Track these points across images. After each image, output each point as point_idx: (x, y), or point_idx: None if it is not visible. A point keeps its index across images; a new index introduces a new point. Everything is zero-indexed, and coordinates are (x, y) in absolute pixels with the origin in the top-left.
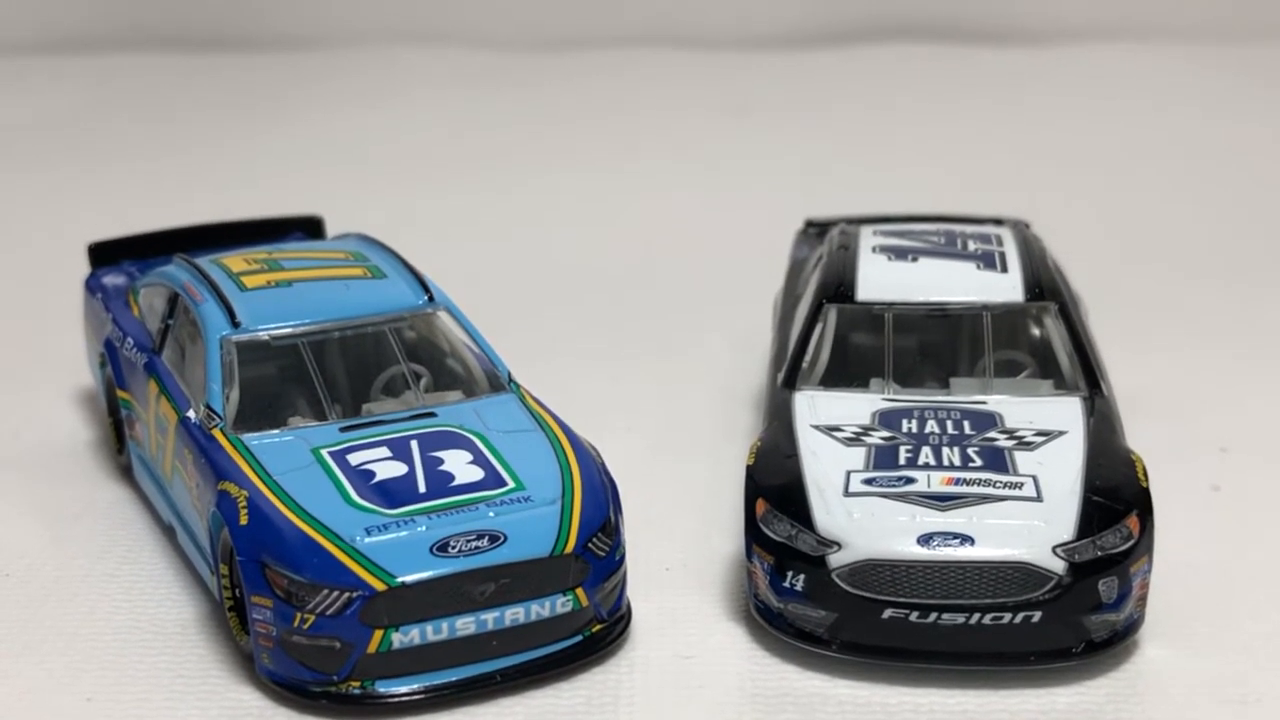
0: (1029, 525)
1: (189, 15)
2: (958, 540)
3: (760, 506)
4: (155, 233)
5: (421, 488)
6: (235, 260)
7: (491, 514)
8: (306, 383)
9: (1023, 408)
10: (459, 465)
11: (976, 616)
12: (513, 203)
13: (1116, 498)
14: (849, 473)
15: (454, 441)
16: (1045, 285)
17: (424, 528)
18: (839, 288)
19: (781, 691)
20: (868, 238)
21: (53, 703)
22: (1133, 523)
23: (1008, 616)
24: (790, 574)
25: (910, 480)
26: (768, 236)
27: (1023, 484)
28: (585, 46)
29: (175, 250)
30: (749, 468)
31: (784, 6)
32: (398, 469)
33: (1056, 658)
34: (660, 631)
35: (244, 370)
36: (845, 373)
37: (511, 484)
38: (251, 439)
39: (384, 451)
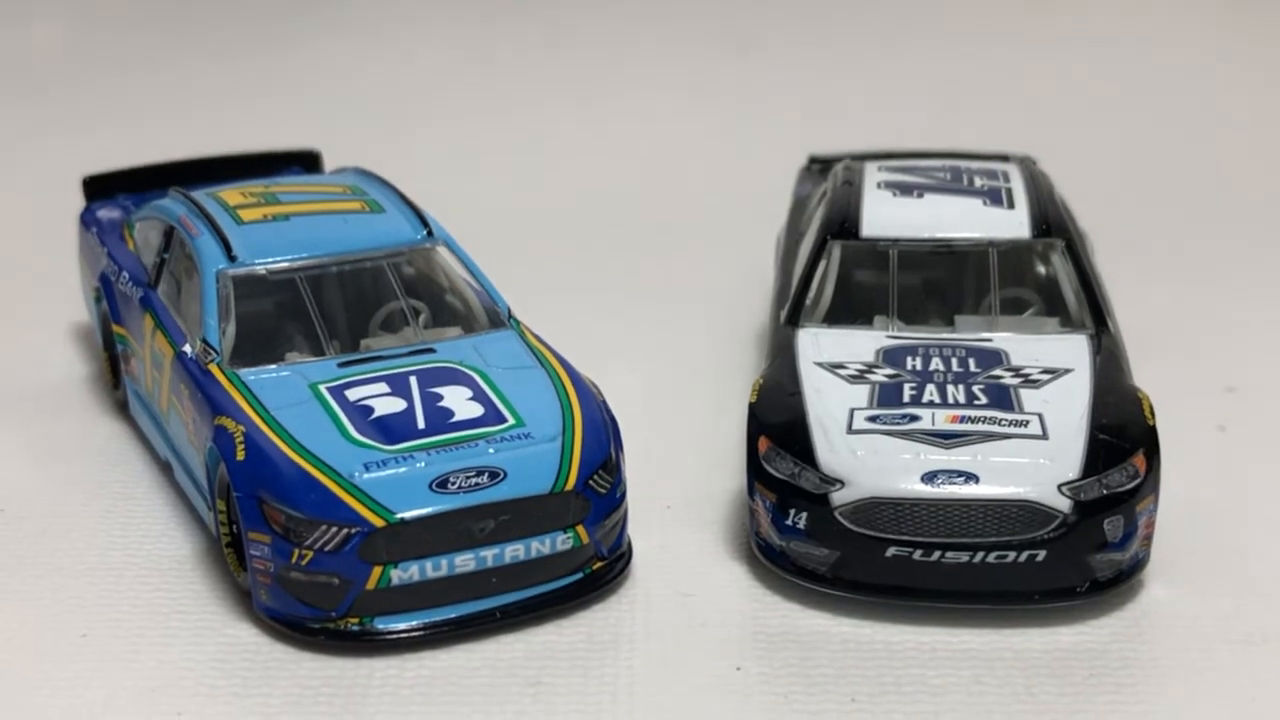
0: (1034, 463)
1: None
2: (962, 478)
3: (763, 444)
4: (150, 166)
5: (420, 424)
6: (232, 194)
7: (491, 450)
8: (304, 318)
9: (1028, 345)
10: (458, 401)
11: (980, 555)
12: (512, 137)
13: (1123, 436)
14: (853, 410)
15: (453, 378)
16: (1052, 221)
17: (423, 464)
18: (843, 224)
19: (783, 630)
20: (872, 174)
21: (48, 638)
22: (1139, 461)
23: (1012, 555)
24: (793, 512)
25: (915, 418)
26: (771, 173)
27: (1028, 422)
28: None
29: (171, 184)
30: (751, 405)
31: None
32: (396, 405)
33: (1061, 597)
34: (661, 569)
35: (240, 305)
36: (849, 310)
37: (511, 420)
38: (248, 374)
39: (383, 387)
